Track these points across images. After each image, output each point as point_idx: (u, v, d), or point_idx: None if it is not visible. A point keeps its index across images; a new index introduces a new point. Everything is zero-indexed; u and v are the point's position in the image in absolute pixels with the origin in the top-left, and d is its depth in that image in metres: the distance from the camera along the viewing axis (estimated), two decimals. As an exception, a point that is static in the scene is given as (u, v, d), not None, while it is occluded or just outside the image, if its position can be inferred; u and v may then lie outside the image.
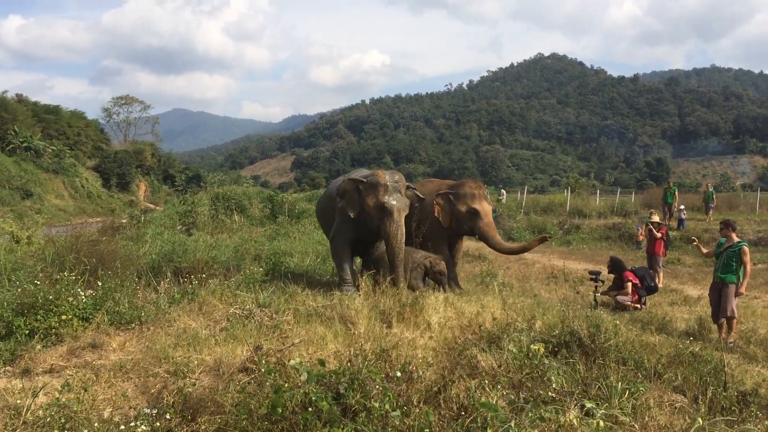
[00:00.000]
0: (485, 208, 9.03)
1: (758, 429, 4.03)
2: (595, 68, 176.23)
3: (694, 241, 8.53)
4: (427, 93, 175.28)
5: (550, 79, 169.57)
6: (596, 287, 9.38)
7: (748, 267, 7.34)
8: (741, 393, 4.81)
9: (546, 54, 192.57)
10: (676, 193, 19.85)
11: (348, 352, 4.47)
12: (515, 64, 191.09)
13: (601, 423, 2.94)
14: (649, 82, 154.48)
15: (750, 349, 6.65)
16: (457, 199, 8.99)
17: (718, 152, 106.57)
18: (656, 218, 12.78)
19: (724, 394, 4.65)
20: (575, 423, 3.01)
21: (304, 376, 3.30)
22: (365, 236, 8.39)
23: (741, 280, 7.37)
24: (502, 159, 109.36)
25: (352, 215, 8.06)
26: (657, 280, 10.91)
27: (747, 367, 5.86)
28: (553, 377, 3.90)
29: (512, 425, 3.12)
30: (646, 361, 5.20)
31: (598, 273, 9.45)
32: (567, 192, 26.45)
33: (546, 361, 4.01)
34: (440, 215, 9.00)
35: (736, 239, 7.55)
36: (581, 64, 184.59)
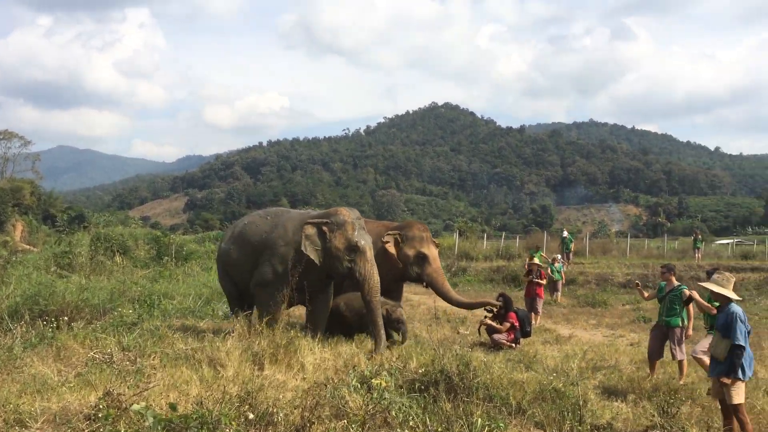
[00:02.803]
0: (433, 252, 8.71)
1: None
2: (485, 118, 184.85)
3: (637, 285, 8.43)
4: (325, 137, 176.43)
5: (444, 127, 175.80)
6: (485, 317, 9.63)
7: (692, 309, 7.43)
8: (596, 426, 5.05)
9: (440, 103, 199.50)
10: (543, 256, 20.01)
11: (211, 396, 4.32)
12: (411, 112, 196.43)
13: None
14: (534, 133, 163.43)
15: (611, 384, 6.98)
16: (404, 241, 8.56)
17: (596, 201, 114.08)
18: (537, 260, 13.29)
19: (579, 428, 4.86)
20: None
21: (149, 421, 3.14)
22: (314, 283, 7.49)
23: (686, 322, 7.44)
24: (398, 203, 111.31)
25: (318, 262, 7.31)
26: (534, 321, 11.36)
27: (607, 402, 6.14)
28: (394, 412, 3.92)
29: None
30: (511, 397, 5.36)
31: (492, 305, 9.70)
32: (456, 236, 27.22)
33: (387, 396, 4.03)
34: (388, 257, 8.41)
35: (675, 283, 7.62)
36: (472, 114, 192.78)
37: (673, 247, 29.27)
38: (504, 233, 38.20)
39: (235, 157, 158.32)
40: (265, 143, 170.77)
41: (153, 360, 5.67)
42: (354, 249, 7.29)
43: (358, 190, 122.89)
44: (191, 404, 4.21)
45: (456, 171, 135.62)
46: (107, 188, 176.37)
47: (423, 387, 5.14)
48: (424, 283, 8.89)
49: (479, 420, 4.33)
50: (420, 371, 5.44)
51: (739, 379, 5.00)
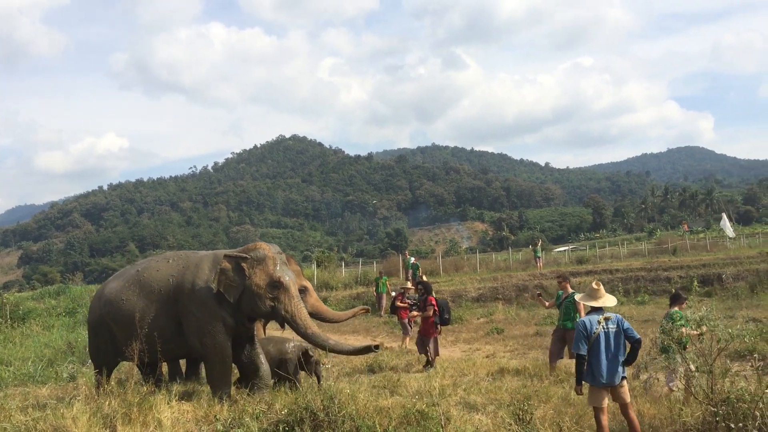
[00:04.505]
0: (309, 284, 9.07)
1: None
2: (333, 148, 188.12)
3: (539, 295, 9.39)
4: (171, 176, 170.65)
5: (294, 159, 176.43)
6: (411, 312, 9.89)
7: (583, 314, 7.83)
8: (458, 443, 5.24)
9: (287, 135, 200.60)
10: (387, 283, 19.27)
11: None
12: (259, 146, 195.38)
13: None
14: (382, 159, 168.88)
15: (471, 398, 7.27)
16: None
17: (445, 220, 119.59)
18: (410, 285, 13.53)
19: (442, 446, 5.02)
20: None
21: None
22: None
23: None
24: (254, 238, 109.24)
25: (232, 300, 6.77)
26: (403, 342, 11.68)
27: (468, 417, 6.37)
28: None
29: None
30: (377, 425, 5.42)
31: (404, 291, 9.94)
32: (314, 266, 27.16)
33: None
34: None
35: (570, 290, 8.39)
36: (321, 144, 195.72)
37: (518, 258, 31.15)
38: (361, 259, 38.79)
39: (72, 204, 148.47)
40: (105, 187, 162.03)
41: (-13, 439, 5.12)
42: (276, 285, 6.83)
43: (211, 228, 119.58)
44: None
45: (309, 201, 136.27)
46: None
47: (288, 428, 5.08)
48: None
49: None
50: (284, 411, 5.36)
51: (591, 385, 5.34)
